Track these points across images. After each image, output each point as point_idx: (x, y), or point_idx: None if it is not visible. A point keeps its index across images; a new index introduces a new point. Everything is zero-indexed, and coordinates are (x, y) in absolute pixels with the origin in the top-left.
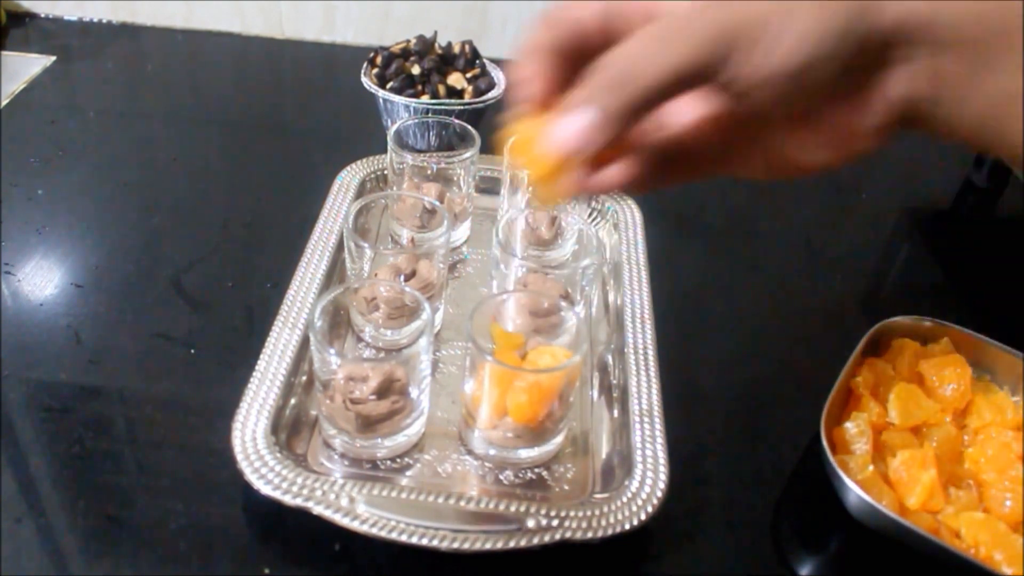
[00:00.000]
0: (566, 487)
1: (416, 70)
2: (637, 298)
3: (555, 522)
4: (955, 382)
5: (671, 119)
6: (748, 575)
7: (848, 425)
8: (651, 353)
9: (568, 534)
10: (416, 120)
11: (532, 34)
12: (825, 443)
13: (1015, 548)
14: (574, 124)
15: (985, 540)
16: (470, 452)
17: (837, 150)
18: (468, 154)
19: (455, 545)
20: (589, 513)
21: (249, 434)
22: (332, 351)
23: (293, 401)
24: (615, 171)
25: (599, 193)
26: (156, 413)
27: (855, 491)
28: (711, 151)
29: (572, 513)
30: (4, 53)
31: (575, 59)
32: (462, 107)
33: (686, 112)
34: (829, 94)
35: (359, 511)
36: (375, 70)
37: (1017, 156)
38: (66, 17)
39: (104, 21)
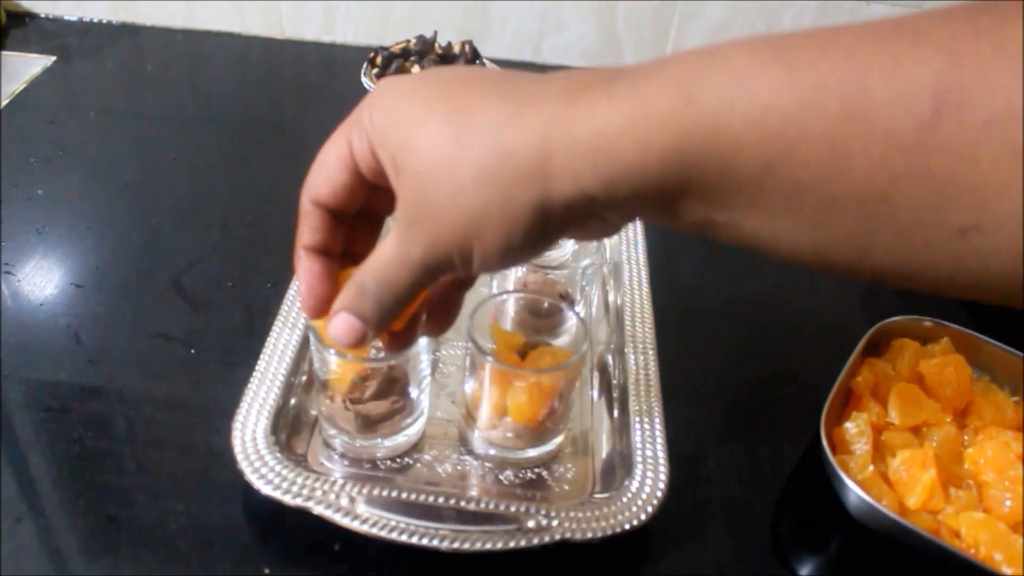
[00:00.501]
0: (566, 487)
1: (416, 70)
2: (637, 298)
3: (555, 522)
4: (955, 382)
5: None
6: (748, 575)
7: (848, 425)
8: (651, 353)
9: (568, 534)
10: None
11: (298, 237)
12: (825, 443)
13: (1015, 548)
14: (342, 327)
15: (985, 540)
16: (470, 452)
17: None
18: None
19: (455, 545)
20: (589, 513)
21: (249, 434)
22: (332, 351)
23: (293, 401)
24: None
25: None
26: (156, 413)
27: (855, 491)
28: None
29: (572, 513)
30: (4, 53)
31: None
32: None
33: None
34: (544, 247)
35: (359, 511)
36: (375, 70)
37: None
38: (66, 17)
39: (104, 21)
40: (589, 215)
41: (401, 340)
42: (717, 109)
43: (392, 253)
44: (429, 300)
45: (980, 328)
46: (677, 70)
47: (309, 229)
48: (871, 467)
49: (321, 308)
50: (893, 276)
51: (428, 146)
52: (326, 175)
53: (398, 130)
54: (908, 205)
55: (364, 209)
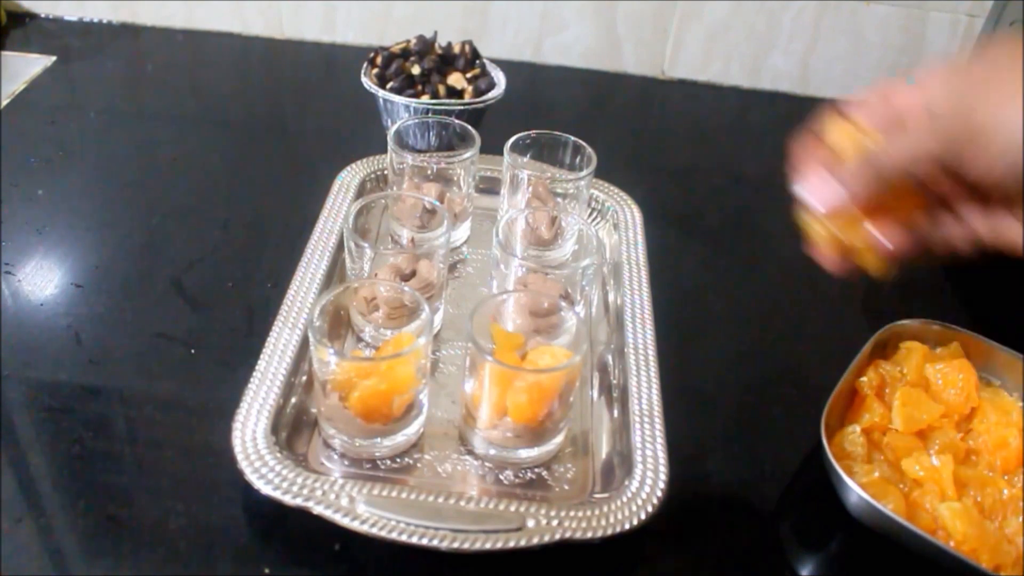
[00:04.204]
0: (566, 487)
1: (416, 70)
2: (637, 298)
3: (555, 522)
4: (959, 386)
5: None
6: (748, 575)
7: (850, 426)
8: (651, 353)
9: (568, 534)
10: (416, 120)
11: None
12: (826, 443)
13: (1015, 551)
14: (821, 184)
15: (985, 542)
16: (470, 452)
17: None
18: (468, 154)
19: (455, 545)
20: (589, 513)
21: (249, 434)
22: (331, 351)
23: (293, 401)
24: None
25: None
26: (156, 413)
27: (856, 491)
28: None
29: (572, 513)
30: (4, 53)
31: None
32: (462, 107)
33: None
34: None
35: (359, 511)
36: (375, 70)
37: None
38: (66, 17)
39: (104, 21)
40: None
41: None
42: None
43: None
44: None
45: (990, 333)
46: None
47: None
48: (872, 467)
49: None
50: None
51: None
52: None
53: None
54: None
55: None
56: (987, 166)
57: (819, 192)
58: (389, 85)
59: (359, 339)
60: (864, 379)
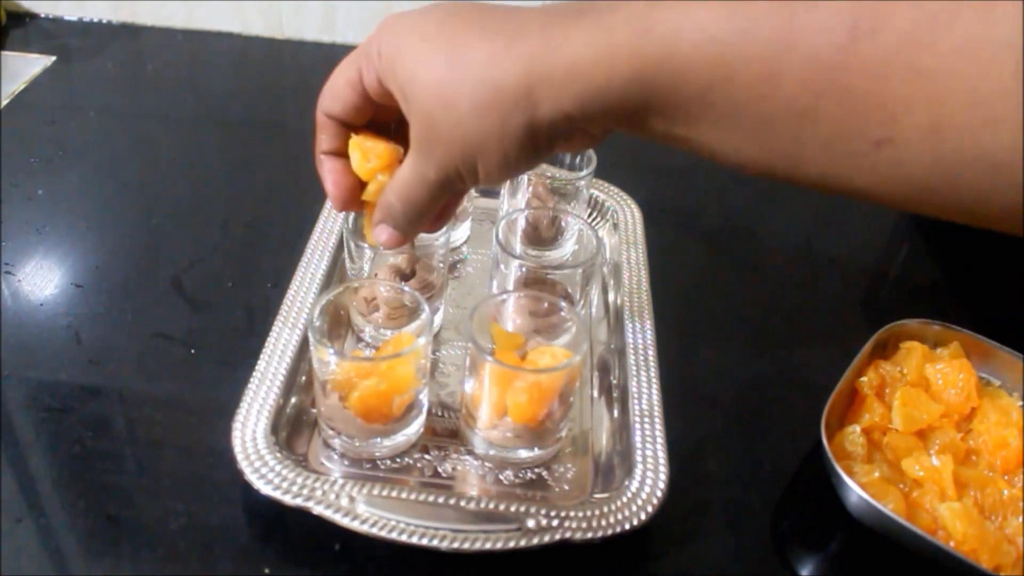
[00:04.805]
0: (566, 487)
1: None
2: (637, 298)
3: (555, 522)
4: (959, 386)
5: None
6: (748, 575)
7: (850, 426)
8: (651, 353)
9: (568, 534)
10: None
11: (316, 145)
12: (826, 443)
13: (1015, 551)
14: (383, 235)
15: (985, 542)
16: (470, 452)
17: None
18: None
19: (455, 545)
20: (589, 513)
21: (249, 434)
22: (331, 351)
23: (293, 401)
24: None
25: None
26: (156, 413)
27: (856, 491)
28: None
29: (572, 513)
30: (4, 53)
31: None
32: None
33: None
34: (539, 159)
35: (359, 511)
36: None
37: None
38: (66, 17)
39: (104, 21)
40: (572, 131)
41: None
42: (668, 38)
43: (410, 175)
44: None
45: (990, 333)
46: (637, 5)
47: (326, 137)
48: (872, 467)
49: (347, 198)
50: (825, 185)
51: (431, 82)
52: (338, 95)
53: (404, 67)
54: (830, 120)
55: (372, 120)
56: (488, 181)
57: (378, 236)
58: None
59: (359, 339)
60: (864, 379)
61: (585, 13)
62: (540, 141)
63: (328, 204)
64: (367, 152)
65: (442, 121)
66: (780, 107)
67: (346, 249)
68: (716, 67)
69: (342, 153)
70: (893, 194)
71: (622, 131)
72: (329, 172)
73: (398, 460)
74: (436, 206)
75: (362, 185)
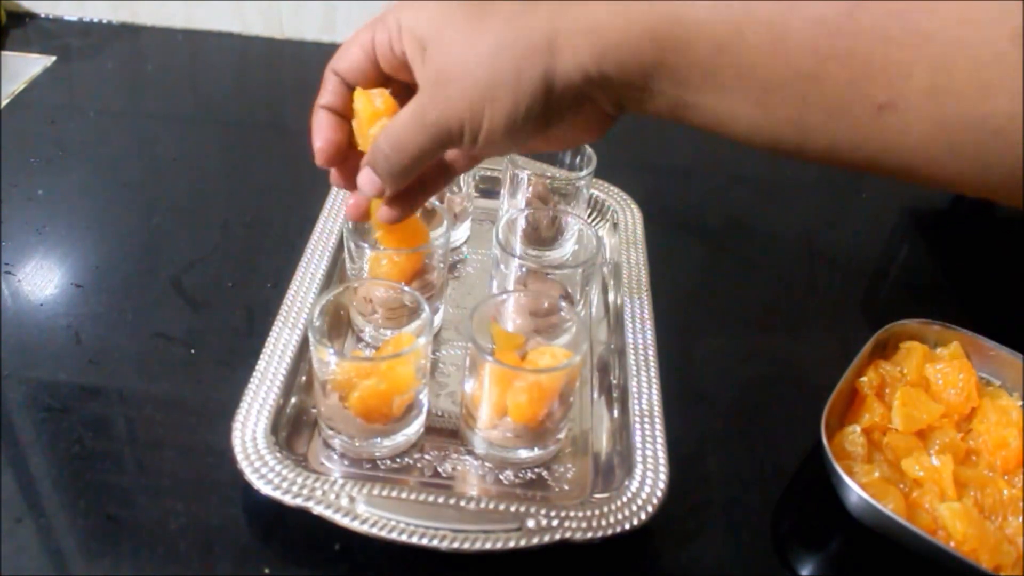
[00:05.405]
0: (566, 487)
1: None
2: (637, 298)
3: (555, 522)
4: (959, 386)
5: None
6: (748, 575)
7: (850, 426)
8: (651, 353)
9: (568, 534)
10: None
11: (318, 99)
12: (826, 443)
13: (1015, 551)
14: (366, 182)
15: (985, 542)
16: (470, 452)
17: (575, 140)
18: None
19: (455, 545)
20: (589, 513)
21: (249, 434)
22: (331, 351)
23: (293, 401)
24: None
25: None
26: (156, 413)
27: (856, 491)
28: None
29: (572, 513)
30: (4, 53)
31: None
32: None
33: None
34: (543, 131)
35: (359, 511)
36: None
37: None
38: (66, 17)
39: (104, 21)
40: (583, 98)
41: (400, 205)
42: None
43: (408, 116)
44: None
45: (990, 333)
46: None
47: (328, 92)
48: (872, 467)
49: (331, 153)
50: (831, 156)
51: (455, 34)
52: (350, 57)
53: (427, 26)
54: (834, 83)
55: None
56: (485, 143)
57: (362, 183)
58: None
59: (359, 339)
60: (864, 379)
61: None
62: (552, 97)
63: (328, 204)
64: (373, 96)
65: (457, 60)
66: (787, 70)
67: (346, 249)
68: (726, 28)
69: (339, 112)
70: (898, 163)
71: (630, 110)
72: (320, 126)
73: (398, 460)
74: (424, 159)
75: (350, 144)
